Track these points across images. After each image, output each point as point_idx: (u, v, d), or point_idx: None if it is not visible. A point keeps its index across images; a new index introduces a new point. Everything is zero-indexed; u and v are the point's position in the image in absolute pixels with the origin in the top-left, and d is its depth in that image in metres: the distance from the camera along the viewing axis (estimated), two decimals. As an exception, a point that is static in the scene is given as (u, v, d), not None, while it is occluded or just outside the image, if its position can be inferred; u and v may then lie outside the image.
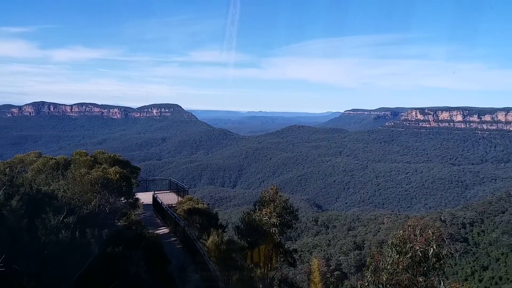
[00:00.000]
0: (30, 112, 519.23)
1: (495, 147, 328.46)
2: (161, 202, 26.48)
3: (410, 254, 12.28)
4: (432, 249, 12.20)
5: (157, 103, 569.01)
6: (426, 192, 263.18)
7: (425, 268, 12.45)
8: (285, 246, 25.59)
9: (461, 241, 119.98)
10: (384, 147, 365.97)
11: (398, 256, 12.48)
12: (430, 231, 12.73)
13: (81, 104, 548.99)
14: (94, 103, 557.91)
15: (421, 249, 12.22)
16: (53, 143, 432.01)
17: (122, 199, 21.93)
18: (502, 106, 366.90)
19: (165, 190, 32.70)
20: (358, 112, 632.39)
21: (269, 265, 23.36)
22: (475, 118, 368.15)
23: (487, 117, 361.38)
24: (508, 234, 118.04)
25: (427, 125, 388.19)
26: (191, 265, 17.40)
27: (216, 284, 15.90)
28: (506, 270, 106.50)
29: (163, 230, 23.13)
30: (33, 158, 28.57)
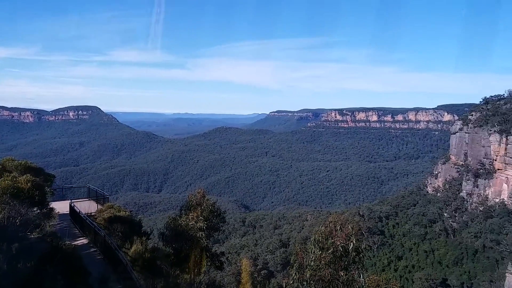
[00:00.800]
0: None
1: (407, 145, 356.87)
2: (79, 211, 24.81)
3: (332, 249, 12.60)
4: (352, 243, 12.55)
5: (74, 105, 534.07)
6: (346, 189, 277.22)
7: (345, 263, 12.76)
8: (212, 250, 25.52)
9: (378, 234, 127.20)
10: (307, 146, 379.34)
11: (320, 252, 12.73)
12: (350, 226, 13.06)
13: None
14: (3, 106, 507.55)
15: (342, 244, 12.56)
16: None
17: (35, 209, 20.73)
18: (412, 106, 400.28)
19: (84, 198, 30.76)
20: (282, 114, 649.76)
21: (196, 270, 23.00)
22: (389, 118, 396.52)
23: (400, 117, 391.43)
24: (419, 225, 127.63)
25: (345, 125, 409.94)
26: (113, 275, 16.64)
27: None
28: (418, 259, 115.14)
29: (82, 241, 21.99)
30: None
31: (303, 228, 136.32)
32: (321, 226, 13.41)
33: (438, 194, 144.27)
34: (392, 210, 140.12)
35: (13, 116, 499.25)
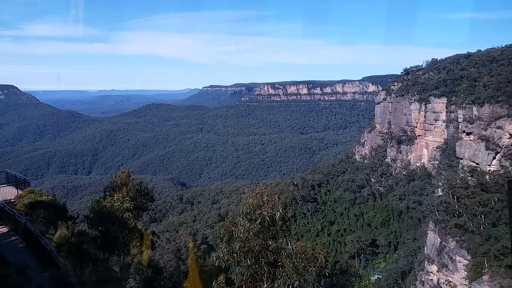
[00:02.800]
0: None
1: (335, 116, 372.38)
2: None
3: (260, 220, 12.84)
4: (278, 213, 12.87)
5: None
6: (280, 160, 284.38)
7: (273, 232, 13.19)
8: (143, 230, 25.19)
9: (312, 202, 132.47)
10: (242, 121, 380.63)
11: (249, 223, 12.97)
12: (276, 197, 13.34)
13: None
14: None
15: (269, 214, 12.82)
16: None
17: None
18: (340, 79, 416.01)
19: (1, 184, 28.33)
20: (215, 89, 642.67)
21: (125, 251, 22.68)
22: (318, 90, 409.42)
23: (328, 89, 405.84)
24: (349, 191, 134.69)
25: (278, 99, 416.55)
26: (37, 264, 15.89)
27: (67, 280, 14.71)
28: (349, 223, 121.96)
29: (1, 230, 20.63)
30: None
31: (240, 201, 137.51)
32: (249, 198, 13.75)
33: (365, 161, 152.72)
34: (324, 178, 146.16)
35: None
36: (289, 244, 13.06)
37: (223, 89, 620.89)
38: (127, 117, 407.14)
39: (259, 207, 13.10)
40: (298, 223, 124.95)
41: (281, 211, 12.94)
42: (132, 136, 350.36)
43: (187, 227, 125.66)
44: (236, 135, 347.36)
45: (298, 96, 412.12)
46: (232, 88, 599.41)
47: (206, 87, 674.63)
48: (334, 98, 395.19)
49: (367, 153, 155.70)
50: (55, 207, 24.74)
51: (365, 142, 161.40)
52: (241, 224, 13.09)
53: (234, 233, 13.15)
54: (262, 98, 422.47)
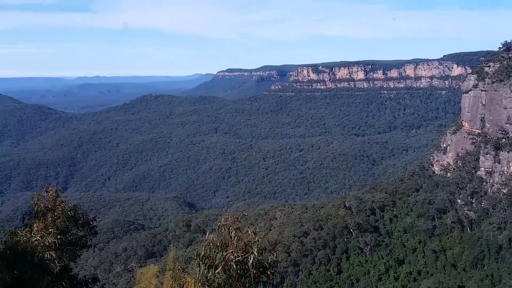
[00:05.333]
0: None
1: (405, 110, 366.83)
2: None
3: (221, 267, 12.16)
4: (252, 256, 12.19)
5: None
6: (326, 173, 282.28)
7: (247, 285, 12.54)
8: (79, 275, 23.70)
9: (371, 231, 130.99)
10: (272, 118, 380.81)
11: (207, 271, 12.37)
12: (250, 231, 12.76)
13: None
14: None
15: (237, 259, 12.12)
16: None
17: None
18: (411, 58, 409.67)
19: None
20: (235, 73, 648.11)
21: None
22: (379, 74, 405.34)
23: (394, 73, 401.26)
24: (424, 217, 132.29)
25: (322, 87, 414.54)
26: None
27: None
28: (425, 262, 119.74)
29: None
30: None
31: (270, 230, 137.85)
32: (209, 234, 13.26)
33: (448, 174, 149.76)
34: (389, 199, 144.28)
35: None
36: None
37: (246, 74, 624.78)
38: (116, 113, 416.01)
39: (223, 248, 12.45)
40: (352, 262, 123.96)
41: (255, 253, 12.18)
42: (122, 139, 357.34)
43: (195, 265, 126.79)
44: (264, 137, 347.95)
45: (351, 83, 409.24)
46: (258, 73, 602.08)
47: (223, 71, 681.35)
48: (402, 85, 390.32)
49: (451, 164, 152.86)
50: None
51: (448, 148, 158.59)
52: (200, 272, 12.64)
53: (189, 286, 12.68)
54: (300, 86, 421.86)
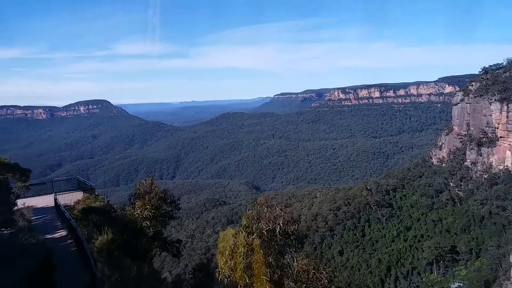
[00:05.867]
0: None
1: (410, 118, 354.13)
2: (59, 204, 24.43)
3: (256, 233, 11.70)
4: (278, 226, 11.68)
5: (84, 100, 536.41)
6: (353, 165, 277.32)
7: (277, 247, 11.84)
8: (168, 238, 24.47)
9: (387, 207, 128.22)
10: (312, 126, 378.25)
11: (247, 236, 11.87)
12: (278, 208, 12.31)
13: (2, 107, 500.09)
14: (16, 105, 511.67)
15: (267, 228, 11.64)
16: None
17: None
18: (413, 80, 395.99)
19: (73, 190, 30.29)
20: (286, 96, 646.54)
21: (145, 260, 21.60)
22: (391, 93, 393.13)
23: (401, 92, 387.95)
24: (426, 195, 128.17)
25: (348, 103, 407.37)
26: (82, 268, 16.14)
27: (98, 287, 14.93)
28: (427, 228, 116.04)
29: (61, 233, 21.25)
30: None
31: (313, 205, 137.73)
32: (248, 210, 12.68)
33: (443, 164, 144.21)
34: (399, 183, 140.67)
35: (26, 114, 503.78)
36: (295, 261, 11.72)
37: (294, 96, 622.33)
38: (205, 125, 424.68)
39: (258, 220, 11.98)
40: (372, 228, 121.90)
41: (281, 224, 11.67)
42: (210, 143, 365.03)
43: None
44: (307, 140, 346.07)
45: (370, 100, 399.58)
46: (302, 95, 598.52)
47: (277, 94, 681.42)
48: (408, 101, 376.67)
49: (445, 157, 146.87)
50: (107, 212, 25.31)
51: (443, 145, 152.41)
52: (243, 237, 12.07)
53: (233, 247, 12.10)
54: (333, 103, 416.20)
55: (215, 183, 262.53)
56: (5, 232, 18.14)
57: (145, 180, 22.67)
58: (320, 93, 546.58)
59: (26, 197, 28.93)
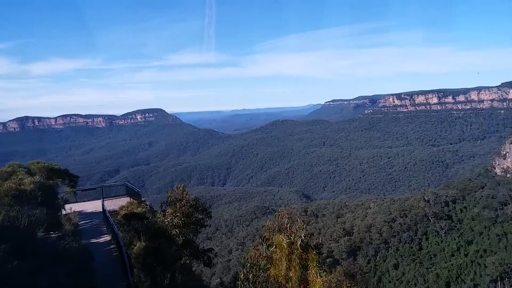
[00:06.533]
0: (14, 128, 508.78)
1: (471, 126, 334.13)
2: (105, 209, 25.36)
3: (275, 246, 11.23)
4: (299, 239, 11.05)
5: (141, 108, 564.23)
6: (409, 174, 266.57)
7: (297, 261, 11.27)
8: (200, 247, 24.08)
9: (445, 219, 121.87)
10: (365, 134, 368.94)
11: (267, 249, 11.47)
12: (300, 220, 11.76)
13: (65, 116, 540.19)
14: (78, 114, 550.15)
15: (287, 241, 11.10)
16: (40, 156, 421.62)
17: (43, 209, 19.17)
18: (474, 86, 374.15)
19: (121, 196, 31.65)
20: (338, 103, 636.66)
21: (174, 268, 21.10)
22: (449, 99, 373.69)
23: (461, 98, 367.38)
24: (488, 208, 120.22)
25: (404, 110, 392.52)
26: (120, 274, 16.57)
27: None
28: (490, 243, 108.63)
29: (106, 238, 21.99)
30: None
31: (366, 216, 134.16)
32: (268, 221, 12.29)
33: (508, 175, 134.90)
34: (459, 194, 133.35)
35: (87, 123, 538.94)
36: (318, 277, 10.94)
37: (345, 102, 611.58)
38: (256, 133, 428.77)
39: (279, 231, 11.48)
40: (430, 241, 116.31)
41: (303, 237, 11.04)
42: (260, 150, 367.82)
43: (312, 240, 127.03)
44: (360, 148, 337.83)
45: (427, 106, 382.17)
46: (354, 101, 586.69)
47: (328, 101, 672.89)
48: (468, 107, 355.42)
49: (510, 166, 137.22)
50: (147, 218, 25.53)
51: (507, 154, 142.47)
52: (264, 249, 11.63)
53: (253, 259, 11.64)
54: (387, 109, 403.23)
55: (265, 191, 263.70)
56: (53, 235, 18.60)
57: (177, 188, 22.40)
58: (373, 100, 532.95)
59: (78, 202, 30.62)
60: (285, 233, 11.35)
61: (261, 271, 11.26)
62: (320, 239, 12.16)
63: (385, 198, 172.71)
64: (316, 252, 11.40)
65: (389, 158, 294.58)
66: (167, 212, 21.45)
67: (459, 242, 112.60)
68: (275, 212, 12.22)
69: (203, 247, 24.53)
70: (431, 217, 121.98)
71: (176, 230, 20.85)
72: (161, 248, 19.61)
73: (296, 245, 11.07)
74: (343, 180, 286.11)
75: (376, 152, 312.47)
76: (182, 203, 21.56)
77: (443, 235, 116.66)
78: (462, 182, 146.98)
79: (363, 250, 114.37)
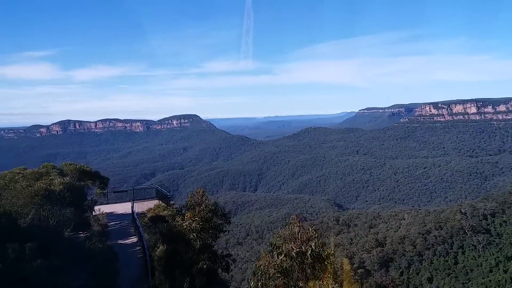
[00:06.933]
0: (57, 131, 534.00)
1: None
2: (133, 211, 25.88)
3: (284, 254, 10.91)
4: (310, 248, 10.69)
5: (177, 114, 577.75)
6: (446, 186, 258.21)
7: (309, 271, 10.88)
8: (219, 251, 24.03)
9: (484, 233, 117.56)
10: (401, 143, 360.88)
11: (277, 257, 11.18)
12: (311, 229, 11.37)
13: (105, 120, 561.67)
14: (117, 119, 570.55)
15: (297, 250, 10.73)
16: (80, 159, 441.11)
17: (72, 209, 20.32)
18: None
19: (151, 198, 32.07)
20: (372, 111, 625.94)
21: (190, 273, 20.80)
22: (489, 109, 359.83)
23: (502, 107, 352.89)
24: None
25: (441, 119, 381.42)
26: (143, 275, 16.71)
27: None
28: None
29: (132, 239, 22.19)
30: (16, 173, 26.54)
31: (400, 227, 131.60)
32: (280, 229, 12.01)
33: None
34: (498, 207, 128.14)
35: (125, 127, 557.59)
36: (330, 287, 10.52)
37: (380, 111, 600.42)
38: (288, 140, 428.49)
39: (291, 240, 11.16)
40: (466, 255, 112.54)
41: (313, 246, 10.69)
42: (292, 157, 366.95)
43: (343, 249, 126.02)
44: (395, 157, 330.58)
45: (466, 116, 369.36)
46: (389, 110, 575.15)
47: (362, 109, 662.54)
48: (510, 117, 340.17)
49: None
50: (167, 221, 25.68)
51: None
52: (274, 257, 11.39)
53: (263, 268, 11.33)
54: (423, 119, 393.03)
55: (296, 198, 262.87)
56: (82, 235, 18.98)
57: (196, 192, 22.20)
58: (409, 108, 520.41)
59: (109, 203, 31.34)
60: (295, 242, 10.95)
61: (270, 280, 10.88)
62: (333, 249, 11.31)
63: (419, 209, 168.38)
64: (327, 262, 10.92)
65: (424, 168, 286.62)
66: (186, 216, 21.34)
67: (498, 257, 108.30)
68: (287, 220, 12.02)
69: (222, 252, 24.37)
70: (468, 231, 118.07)
71: (194, 234, 20.66)
72: (180, 252, 19.74)
73: (307, 254, 10.68)
74: (377, 189, 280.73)
75: (411, 162, 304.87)
76: (201, 207, 21.36)
77: (480, 249, 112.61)
78: (502, 195, 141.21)
79: (396, 262, 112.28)
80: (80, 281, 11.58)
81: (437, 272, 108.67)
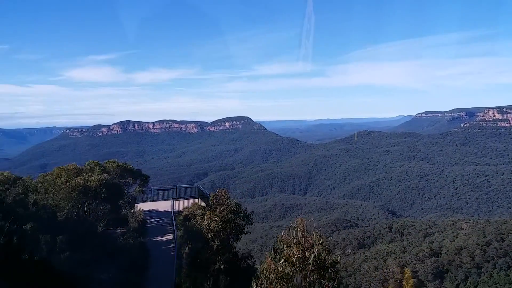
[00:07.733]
0: (117, 131, 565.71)
1: None
2: (172, 209, 26.42)
3: (284, 259, 10.49)
4: (313, 254, 10.19)
5: (229, 116, 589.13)
6: (509, 195, 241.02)
7: (312, 279, 10.44)
8: (240, 253, 23.73)
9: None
10: (461, 149, 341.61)
11: (277, 262, 10.78)
12: (315, 234, 10.81)
13: (162, 121, 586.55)
14: (173, 120, 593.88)
15: (298, 255, 10.26)
16: (138, 157, 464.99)
17: (107, 205, 20.56)
18: None
19: (193, 197, 32.39)
20: (431, 115, 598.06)
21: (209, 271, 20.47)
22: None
23: None
24: None
25: (506, 125, 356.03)
26: (173, 271, 16.72)
27: None
28: None
29: (168, 236, 22.38)
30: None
31: (457, 237, 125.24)
32: (283, 232, 11.39)
33: None
34: None
35: (181, 128, 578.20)
36: None
37: (439, 115, 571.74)
38: (339, 143, 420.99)
39: (296, 245, 10.59)
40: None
41: (316, 252, 10.19)
42: (343, 161, 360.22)
43: (396, 257, 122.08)
44: (454, 164, 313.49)
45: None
46: (449, 114, 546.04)
47: (420, 113, 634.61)
48: None
49: None
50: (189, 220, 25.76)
51: None
52: (278, 262, 10.80)
53: (266, 272, 10.89)
54: (486, 124, 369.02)
55: (347, 203, 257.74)
56: (119, 231, 19.55)
57: (219, 192, 21.84)
58: (470, 113, 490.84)
59: (153, 200, 32.21)
60: (298, 247, 10.50)
61: (271, 285, 10.54)
62: (339, 257, 10.77)
63: (479, 219, 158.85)
64: (331, 270, 10.48)
65: (486, 176, 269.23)
66: (206, 216, 21.04)
67: None
68: (292, 223, 11.54)
69: (242, 253, 23.90)
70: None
71: (212, 234, 20.29)
72: (197, 250, 19.68)
73: (309, 261, 10.26)
74: (434, 197, 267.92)
75: (472, 169, 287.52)
76: (222, 207, 20.92)
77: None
78: None
79: (452, 273, 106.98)
80: (109, 275, 11.89)
81: (497, 287, 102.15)
